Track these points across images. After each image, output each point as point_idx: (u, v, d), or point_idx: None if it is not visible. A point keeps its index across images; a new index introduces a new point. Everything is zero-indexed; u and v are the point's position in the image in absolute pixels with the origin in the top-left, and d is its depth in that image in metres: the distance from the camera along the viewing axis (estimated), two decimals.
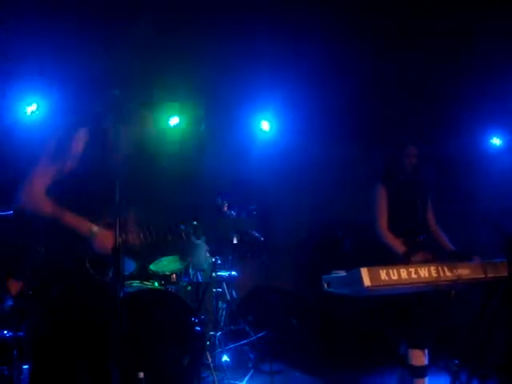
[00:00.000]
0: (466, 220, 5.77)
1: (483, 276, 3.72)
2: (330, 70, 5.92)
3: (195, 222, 5.21)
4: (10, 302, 4.32)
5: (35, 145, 2.98)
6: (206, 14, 5.17)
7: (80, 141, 2.89)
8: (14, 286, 2.65)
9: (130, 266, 4.91)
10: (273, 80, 5.92)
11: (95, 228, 2.81)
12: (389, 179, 4.44)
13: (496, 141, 6.93)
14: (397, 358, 4.31)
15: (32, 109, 5.70)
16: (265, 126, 6.82)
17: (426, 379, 4.12)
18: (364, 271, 3.37)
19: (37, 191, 2.81)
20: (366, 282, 3.35)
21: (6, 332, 4.34)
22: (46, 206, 2.80)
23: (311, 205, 6.89)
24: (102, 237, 2.80)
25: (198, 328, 4.32)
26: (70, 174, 2.87)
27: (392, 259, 3.99)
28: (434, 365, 4.29)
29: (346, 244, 6.85)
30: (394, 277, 3.48)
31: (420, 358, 4.10)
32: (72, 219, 2.80)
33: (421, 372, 4.10)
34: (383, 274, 3.44)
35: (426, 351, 4.13)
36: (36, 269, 2.76)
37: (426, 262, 3.90)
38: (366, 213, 4.51)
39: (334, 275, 3.72)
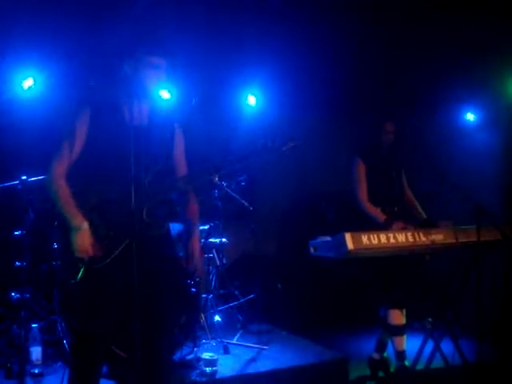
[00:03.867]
0: (439, 191, 6.12)
1: (455, 241, 4.03)
2: (315, 44, 6.03)
3: None
4: (18, 264, 4.62)
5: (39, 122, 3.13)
6: None
7: (83, 120, 3.05)
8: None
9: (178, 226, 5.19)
10: (258, 55, 5.97)
11: (84, 225, 2.94)
12: (367, 154, 4.72)
13: (470, 116, 7.22)
14: (377, 318, 4.66)
15: (29, 83, 5.60)
16: (251, 100, 7.02)
17: (405, 337, 4.48)
18: (348, 236, 3.66)
19: (57, 177, 3.03)
20: (350, 245, 3.64)
21: (13, 294, 4.65)
22: (62, 194, 3.02)
23: (297, 176, 7.15)
24: (81, 236, 2.93)
25: (194, 289, 4.65)
26: (83, 154, 3.06)
27: (371, 226, 4.29)
28: (410, 325, 4.63)
29: (329, 213, 7.18)
30: (375, 241, 3.77)
31: (399, 317, 4.44)
32: (69, 209, 2.98)
33: (399, 330, 4.46)
34: (365, 239, 3.73)
35: (404, 311, 4.48)
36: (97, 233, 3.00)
37: (403, 229, 4.25)
38: (348, 184, 4.83)
39: (319, 240, 3.99)
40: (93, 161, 3.07)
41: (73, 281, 2.88)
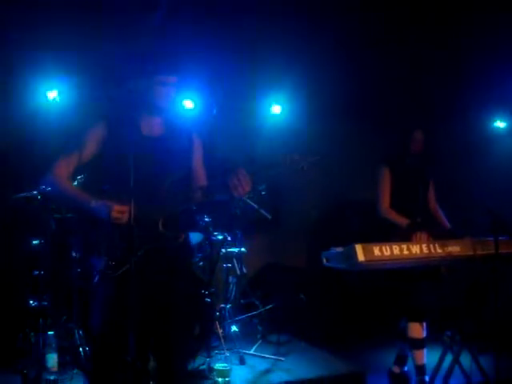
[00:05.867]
0: (463, 201, 5.98)
1: (472, 253, 3.96)
2: (341, 53, 6.03)
3: None
4: (36, 272, 4.70)
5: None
6: None
7: (96, 134, 3.08)
8: (98, 262, 2.95)
9: (198, 236, 5.26)
10: (283, 63, 6.03)
11: (93, 202, 2.96)
12: (394, 163, 4.64)
13: (500, 124, 7.06)
14: (397, 331, 4.57)
15: (53, 95, 5.73)
16: (276, 109, 6.99)
17: (425, 350, 4.39)
18: (358, 247, 3.59)
19: (60, 176, 3.06)
20: (360, 257, 3.57)
21: (31, 301, 4.73)
22: (68, 187, 3.11)
23: (323, 185, 7.07)
24: (101, 206, 2.93)
25: (208, 299, 4.65)
26: (101, 167, 3.12)
27: (397, 236, 4.21)
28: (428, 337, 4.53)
29: (354, 222, 7.08)
30: (387, 253, 3.70)
31: (418, 330, 4.35)
32: (77, 195, 3.07)
33: (419, 344, 4.37)
34: (376, 250, 3.66)
35: (425, 324, 4.38)
36: (113, 242, 2.97)
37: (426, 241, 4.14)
38: (373, 193, 4.75)
39: (332, 251, 3.92)
40: (110, 172, 3.09)
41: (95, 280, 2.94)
